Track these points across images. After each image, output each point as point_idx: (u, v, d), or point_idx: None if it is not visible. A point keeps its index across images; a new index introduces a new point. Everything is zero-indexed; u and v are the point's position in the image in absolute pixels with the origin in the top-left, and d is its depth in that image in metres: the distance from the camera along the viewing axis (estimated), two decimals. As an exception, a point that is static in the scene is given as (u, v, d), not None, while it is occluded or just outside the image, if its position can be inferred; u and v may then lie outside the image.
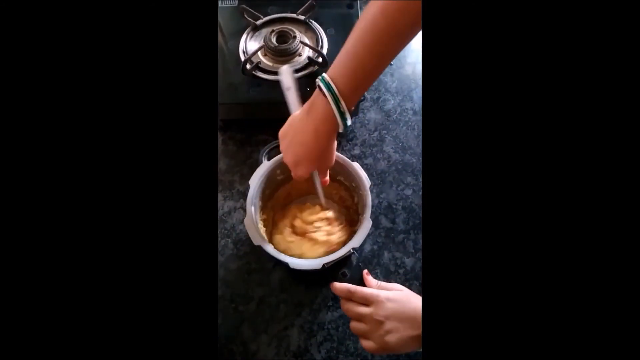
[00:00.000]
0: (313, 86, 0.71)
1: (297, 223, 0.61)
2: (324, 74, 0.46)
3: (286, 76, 0.53)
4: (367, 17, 0.42)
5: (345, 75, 0.45)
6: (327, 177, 0.58)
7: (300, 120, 0.50)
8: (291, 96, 0.53)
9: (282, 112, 0.75)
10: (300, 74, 0.72)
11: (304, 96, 0.73)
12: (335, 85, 0.45)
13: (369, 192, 0.58)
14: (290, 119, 0.52)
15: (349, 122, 0.47)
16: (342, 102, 0.45)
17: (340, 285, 0.50)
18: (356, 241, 0.54)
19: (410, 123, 0.77)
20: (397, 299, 0.47)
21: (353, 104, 0.47)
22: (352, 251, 0.53)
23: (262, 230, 0.59)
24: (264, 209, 0.63)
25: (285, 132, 0.52)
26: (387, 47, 0.43)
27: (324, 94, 0.45)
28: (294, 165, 0.52)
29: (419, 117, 0.78)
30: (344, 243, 0.57)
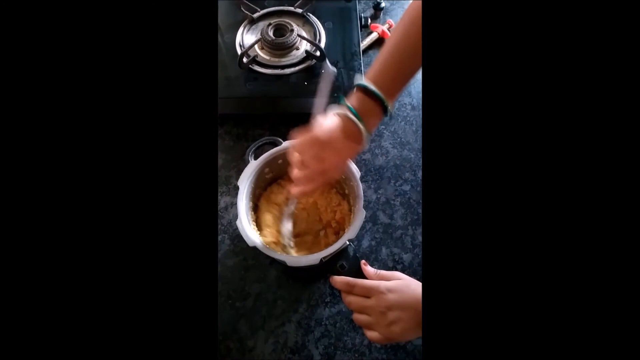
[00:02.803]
0: (310, 80, 0.71)
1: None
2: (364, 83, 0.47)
3: (326, 82, 0.49)
4: (409, 18, 0.46)
5: (387, 76, 0.47)
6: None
7: (338, 129, 0.47)
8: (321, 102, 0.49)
9: (278, 106, 0.75)
10: (297, 68, 0.72)
11: (301, 91, 0.73)
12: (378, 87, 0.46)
13: (360, 183, 0.57)
14: (329, 126, 0.47)
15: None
16: (389, 104, 0.47)
17: (339, 279, 0.50)
18: (352, 233, 0.53)
19: (408, 118, 0.77)
20: (398, 288, 0.47)
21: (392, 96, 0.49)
22: (348, 243, 0.53)
23: (256, 230, 0.58)
24: (255, 209, 0.62)
25: (325, 139, 0.47)
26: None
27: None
28: (320, 175, 0.49)
29: (417, 113, 0.77)
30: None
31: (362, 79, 0.48)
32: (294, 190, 0.51)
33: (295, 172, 0.50)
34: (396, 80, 0.48)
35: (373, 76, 0.48)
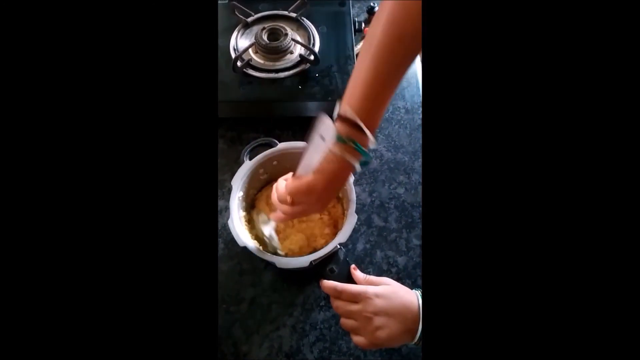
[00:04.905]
0: (304, 84, 0.71)
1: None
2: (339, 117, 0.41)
3: (325, 128, 0.42)
4: (378, 41, 0.39)
5: (363, 105, 0.41)
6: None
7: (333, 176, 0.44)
8: (317, 149, 0.43)
9: (272, 110, 0.75)
10: (291, 72, 0.72)
11: (295, 95, 0.73)
12: (356, 117, 0.40)
13: (353, 187, 0.57)
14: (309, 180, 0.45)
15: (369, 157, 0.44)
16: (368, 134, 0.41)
17: (328, 284, 0.50)
18: (342, 236, 0.53)
19: (402, 122, 0.77)
20: (385, 294, 0.47)
21: (375, 128, 0.43)
22: (338, 247, 0.53)
23: (248, 231, 0.58)
24: (248, 209, 0.62)
25: (322, 190, 0.45)
26: (404, 70, 0.41)
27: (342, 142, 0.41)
28: (324, 204, 0.49)
29: (411, 116, 0.77)
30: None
31: (346, 111, 0.41)
32: (273, 215, 0.52)
33: (280, 206, 0.49)
34: (378, 112, 0.42)
35: (355, 107, 0.41)
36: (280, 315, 0.59)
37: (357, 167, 0.43)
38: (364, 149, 0.42)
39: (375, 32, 0.39)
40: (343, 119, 0.41)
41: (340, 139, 0.41)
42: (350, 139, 0.41)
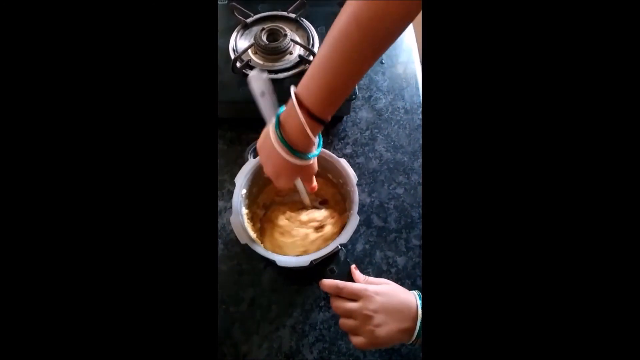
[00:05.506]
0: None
1: (282, 222, 0.60)
2: (295, 91, 0.44)
3: (257, 82, 0.46)
4: (340, 28, 0.39)
5: (316, 92, 0.42)
6: (315, 183, 0.55)
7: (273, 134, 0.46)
8: (265, 103, 0.47)
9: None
10: (291, 72, 0.72)
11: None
12: (305, 103, 0.42)
13: (356, 188, 0.57)
14: (265, 130, 0.48)
15: (315, 151, 0.48)
16: (307, 129, 0.43)
17: (328, 282, 0.50)
18: (343, 237, 0.53)
19: (401, 122, 0.77)
20: (385, 292, 0.48)
21: (328, 118, 0.44)
22: (339, 247, 0.53)
23: (250, 228, 0.58)
24: (251, 207, 0.62)
25: (261, 145, 0.49)
26: (361, 59, 0.41)
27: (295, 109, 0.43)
28: (274, 178, 0.50)
29: (411, 116, 0.77)
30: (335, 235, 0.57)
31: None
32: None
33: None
34: (329, 99, 0.43)
35: (307, 97, 0.42)
36: (279, 315, 0.59)
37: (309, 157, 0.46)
38: (297, 151, 0.45)
39: (339, 19, 0.40)
40: (293, 105, 0.43)
41: (280, 138, 0.44)
42: (289, 147, 0.44)
